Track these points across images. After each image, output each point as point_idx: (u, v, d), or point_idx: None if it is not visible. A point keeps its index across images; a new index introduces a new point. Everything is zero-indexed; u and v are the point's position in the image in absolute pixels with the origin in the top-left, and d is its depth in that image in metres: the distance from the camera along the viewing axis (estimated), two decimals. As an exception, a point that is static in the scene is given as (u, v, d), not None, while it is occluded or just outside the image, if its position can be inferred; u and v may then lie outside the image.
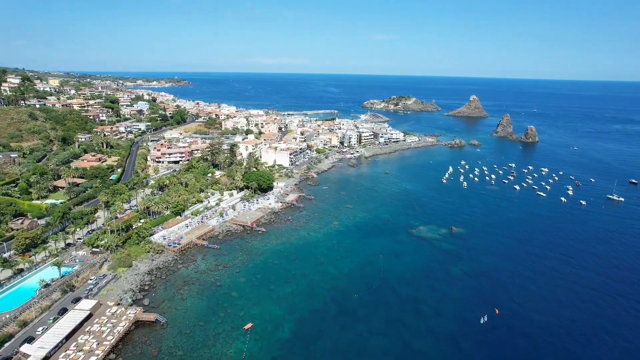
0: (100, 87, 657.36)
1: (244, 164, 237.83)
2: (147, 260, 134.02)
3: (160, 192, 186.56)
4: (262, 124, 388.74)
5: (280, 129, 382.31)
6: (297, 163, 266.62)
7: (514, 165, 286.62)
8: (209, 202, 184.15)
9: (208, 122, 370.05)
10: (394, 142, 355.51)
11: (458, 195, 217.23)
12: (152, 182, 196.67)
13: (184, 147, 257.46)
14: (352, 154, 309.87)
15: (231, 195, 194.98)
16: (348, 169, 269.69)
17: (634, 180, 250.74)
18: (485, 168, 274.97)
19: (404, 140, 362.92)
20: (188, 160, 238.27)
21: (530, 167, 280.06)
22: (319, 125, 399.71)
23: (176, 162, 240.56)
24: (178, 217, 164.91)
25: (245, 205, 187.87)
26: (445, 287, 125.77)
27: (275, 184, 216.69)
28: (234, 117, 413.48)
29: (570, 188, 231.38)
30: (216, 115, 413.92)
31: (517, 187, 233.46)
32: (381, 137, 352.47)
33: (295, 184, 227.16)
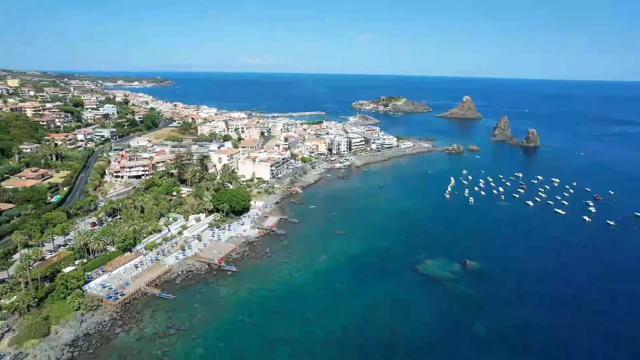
0: (72, 88, 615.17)
1: (217, 178, 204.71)
2: (75, 322, 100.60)
3: (110, 219, 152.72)
4: (242, 128, 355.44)
5: (262, 134, 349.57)
6: (279, 175, 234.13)
7: (521, 174, 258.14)
8: (169, 231, 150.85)
9: (182, 127, 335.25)
10: (387, 148, 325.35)
11: (466, 215, 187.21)
12: (102, 205, 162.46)
13: (147, 158, 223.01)
14: (341, 162, 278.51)
15: (198, 220, 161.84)
16: (337, 181, 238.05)
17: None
18: (490, 179, 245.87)
19: (398, 146, 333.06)
20: (152, 174, 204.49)
21: (540, 178, 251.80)
22: (304, 130, 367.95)
23: (138, 177, 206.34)
24: (127, 253, 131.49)
25: (214, 233, 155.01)
26: (471, 355, 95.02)
27: (252, 203, 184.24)
28: (212, 120, 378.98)
29: (591, 204, 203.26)
30: (192, 119, 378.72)
31: (530, 202, 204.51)
32: (373, 142, 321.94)
33: (277, 202, 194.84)
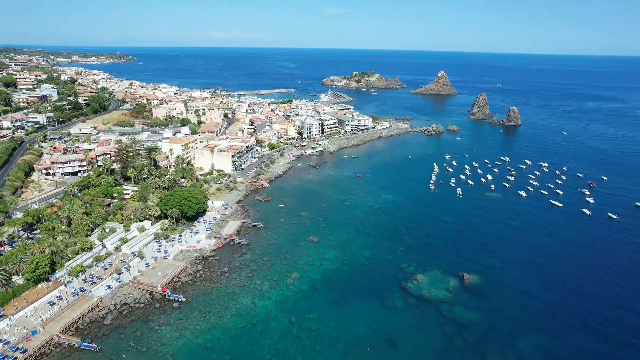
0: (13, 64, 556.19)
1: (169, 173, 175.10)
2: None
3: (27, 235, 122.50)
4: (203, 110, 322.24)
5: (226, 115, 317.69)
6: (242, 166, 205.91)
7: (508, 159, 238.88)
8: (103, 247, 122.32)
9: (135, 110, 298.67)
10: (363, 130, 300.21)
11: (455, 211, 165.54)
12: (19, 214, 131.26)
13: (88, 150, 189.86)
14: (313, 148, 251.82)
15: (142, 230, 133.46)
16: (309, 171, 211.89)
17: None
18: (476, 165, 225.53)
19: (374, 128, 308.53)
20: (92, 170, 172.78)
21: (528, 162, 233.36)
22: (272, 110, 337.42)
23: (75, 174, 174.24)
24: (42, 284, 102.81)
25: (160, 247, 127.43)
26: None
27: (209, 203, 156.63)
28: (170, 101, 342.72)
29: (587, 193, 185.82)
30: (147, 100, 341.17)
31: (523, 193, 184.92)
32: (347, 124, 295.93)
33: (239, 201, 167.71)
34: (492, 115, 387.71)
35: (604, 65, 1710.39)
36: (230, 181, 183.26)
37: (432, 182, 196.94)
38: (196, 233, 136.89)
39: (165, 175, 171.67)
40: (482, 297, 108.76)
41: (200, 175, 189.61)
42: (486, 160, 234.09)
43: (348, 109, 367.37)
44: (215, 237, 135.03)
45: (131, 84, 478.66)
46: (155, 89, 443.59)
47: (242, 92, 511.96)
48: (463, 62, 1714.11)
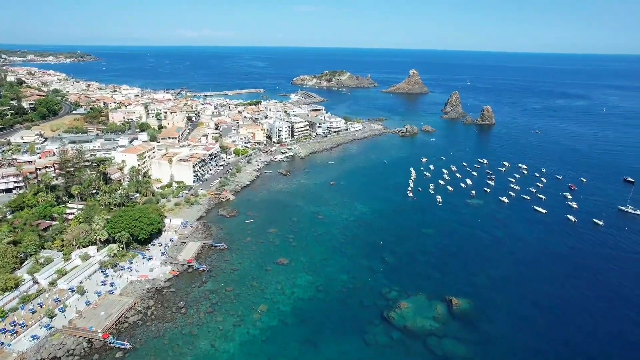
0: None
1: (122, 188, 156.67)
2: None
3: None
4: (165, 113, 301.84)
5: (190, 119, 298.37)
6: (206, 176, 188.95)
7: (485, 161, 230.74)
8: (34, 283, 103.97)
9: (89, 114, 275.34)
10: (335, 132, 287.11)
11: (436, 221, 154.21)
12: None
13: (29, 161, 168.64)
14: (283, 153, 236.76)
15: (85, 258, 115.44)
16: (279, 179, 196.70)
17: (629, 179, 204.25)
18: (454, 168, 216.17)
19: (347, 129, 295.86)
20: (29, 187, 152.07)
21: (507, 164, 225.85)
22: (239, 112, 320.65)
23: (9, 191, 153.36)
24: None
25: (106, 278, 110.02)
26: None
27: (167, 222, 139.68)
28: (129, 104, 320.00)
29: (569, 196, 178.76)
30: (104, 103, 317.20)
31: (504, 199, 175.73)
32: (319, 127, 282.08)
33: (201, 217, 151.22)
34: (465, 114, 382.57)
35: (570, 63, 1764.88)
36: (191, 194, 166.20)
37: (409, 189, 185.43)
38: (149, 259, 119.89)
39: (117, 191, 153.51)
40: (472, 325, 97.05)
41: (158, 188, 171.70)
42: (464, 163, 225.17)
43: (319, 109, 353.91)
44: (172, 263, 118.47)
45: (88, 86, 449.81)
46: (115, 90, 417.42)
47: (208, 93, 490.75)
48: (432, 60, 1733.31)
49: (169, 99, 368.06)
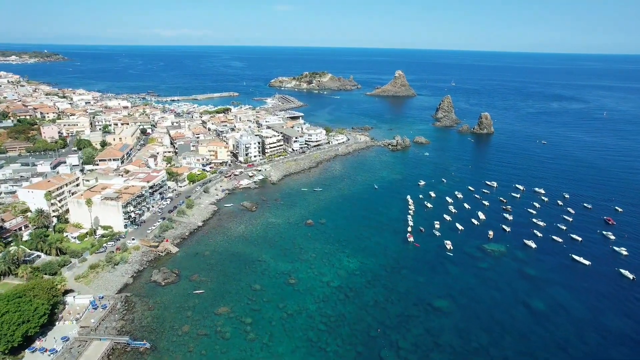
0: None
1: (15, 244, 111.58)
2: None
3: None
4: (116, 124, 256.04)
5: (144, 132, 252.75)
6: (143, 218, 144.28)
7: (495, 184, 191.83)
8: None
9: (15, 128, 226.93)
10: (315, 146, 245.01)
11: (450, 283, 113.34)
12: None
13: None
14: (251, 176, 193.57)
15: None
16: (242, 217, 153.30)
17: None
18: (459, 195, 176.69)
19: (328, 143, 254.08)
20: None
21: (520, 187, 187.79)
22: (204, 123, 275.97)
23: None
24: None
25: None
26: None
27: (69, 301, 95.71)
28: (73, 114, 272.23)
29: (611, 237, 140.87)
30: (41, 113, 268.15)
31: (531, 243, 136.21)
32: (295, 140, 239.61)
33: (126, 286, 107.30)
34: (459, 121, 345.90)
35: (549, 62, 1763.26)
36: (117, 248, 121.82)
37: (409, 229, 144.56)
38: (16, 384, 75.74)
39: (10, 248, 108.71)
40: None
41: (74, 238, 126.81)
42: (470, 188, 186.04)
43: (297, 117, 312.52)
44: (51, 390, 74.64)
45: (35, 90, 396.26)
46: (65, 96, 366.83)
47: (176, 98, 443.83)
48: (415, 59, 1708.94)
49: (126, 107, 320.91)
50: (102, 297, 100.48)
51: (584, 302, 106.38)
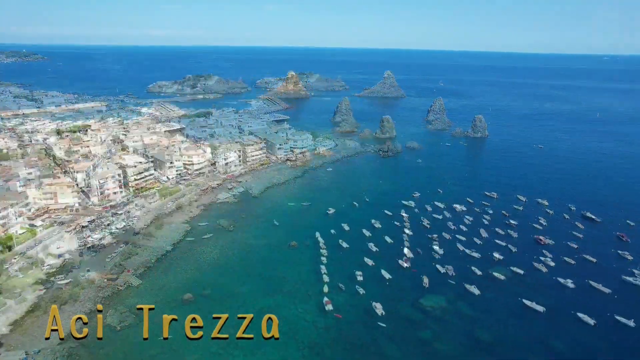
0: None
1: None
2: None
3: None
4: (85, 130, 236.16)
5: (115, 141, 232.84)
6: (104, 241, 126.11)
7: (495, 195, 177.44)
8: None
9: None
10: (300, 153, 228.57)
11: (455, 330, 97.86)
12: None
13: None
14: (230, 189, 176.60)
15: None
16: (217, 238, 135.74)
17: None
18: (458, 207, 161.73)
19: (315, 149, 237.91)
20: None
21: (522, 199, 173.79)
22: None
23: None
24: None
25: None
26: None
27: (-7, 361, 77.47)
28: (37, 126, 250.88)
29: (628, 256, 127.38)
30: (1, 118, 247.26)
31: (541, 267, 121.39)
32: (279, 148, 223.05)
33: (67, 338, 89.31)
34: (451, 123, 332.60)
35: (536, 62, 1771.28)
36: (67, 284, 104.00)
37: (406, 250, 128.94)
38: None
39: None
40: None
41: (17, 271, 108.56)
42: (469, 200, 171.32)
43: (283, 120, 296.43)
44: None
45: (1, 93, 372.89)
46: (34, 98, 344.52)
47: (151, 101, 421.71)
48: (401, 60, 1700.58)
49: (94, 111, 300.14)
50: (39, 352, 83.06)
51: (608, 341, 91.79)
